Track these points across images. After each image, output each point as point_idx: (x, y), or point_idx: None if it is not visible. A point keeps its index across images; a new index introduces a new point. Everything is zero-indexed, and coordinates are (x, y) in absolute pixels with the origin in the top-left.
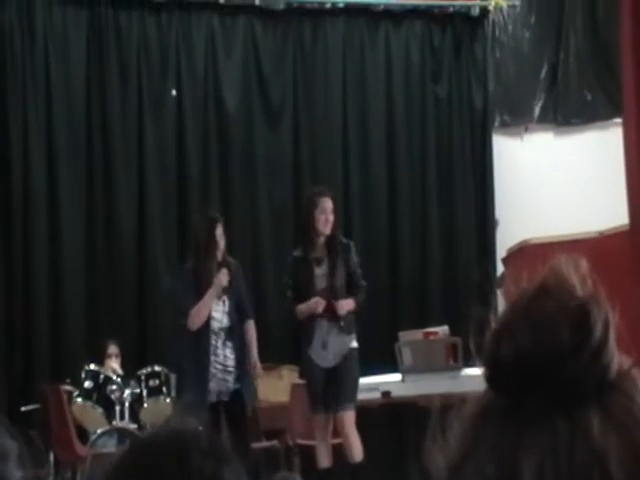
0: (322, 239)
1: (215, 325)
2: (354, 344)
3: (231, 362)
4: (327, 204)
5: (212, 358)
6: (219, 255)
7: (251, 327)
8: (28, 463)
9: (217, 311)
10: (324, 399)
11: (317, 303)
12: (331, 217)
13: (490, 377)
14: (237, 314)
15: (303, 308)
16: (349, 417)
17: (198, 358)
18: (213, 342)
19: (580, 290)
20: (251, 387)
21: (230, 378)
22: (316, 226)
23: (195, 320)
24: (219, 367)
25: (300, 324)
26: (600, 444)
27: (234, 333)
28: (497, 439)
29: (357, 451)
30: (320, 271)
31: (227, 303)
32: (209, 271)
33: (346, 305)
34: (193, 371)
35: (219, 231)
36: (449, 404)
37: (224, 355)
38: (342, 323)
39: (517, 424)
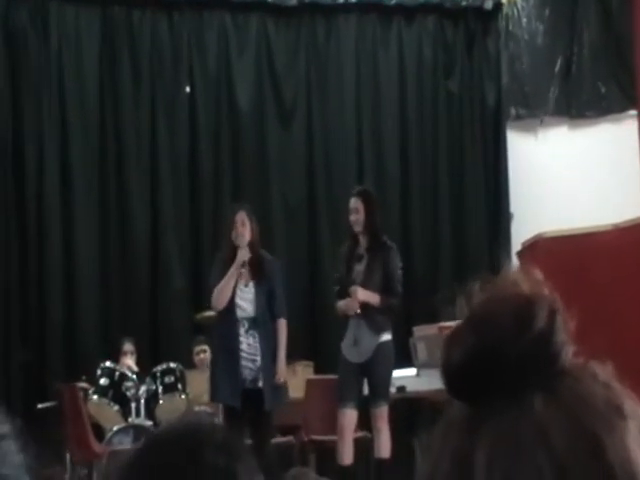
0: (365, 237)
1: (239, 313)
2: (385, 337)
3: (254, 350)
4: (351, 205)
5: (237, 347)
6: (242, 240)
7: (282, 326)
8: (30, 449)
9: (242, 299)
10: (354, 395)
11: (349, 306)
12: (359, 217)
13: (447, 385)
14: (268, 308)
15: (340, 305)
16: (382, 412)
17: (225, 346)
18: (237, 331)
19: (526, 288)
20: (276, 390)
21: (252, 366)
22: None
23: (218, 299)
24: (242, 355)
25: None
26: (542, 420)
27: (259, 323)
28: (456, 445)
29: (385, 447)
30: (359, 267)
31: (253, 291)
32: (234, 255)
33: (368, 295)
34: (221, 359)
35: (240, 217)
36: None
37: (247, 343)
38: (360, 313)
39: (473, 426)
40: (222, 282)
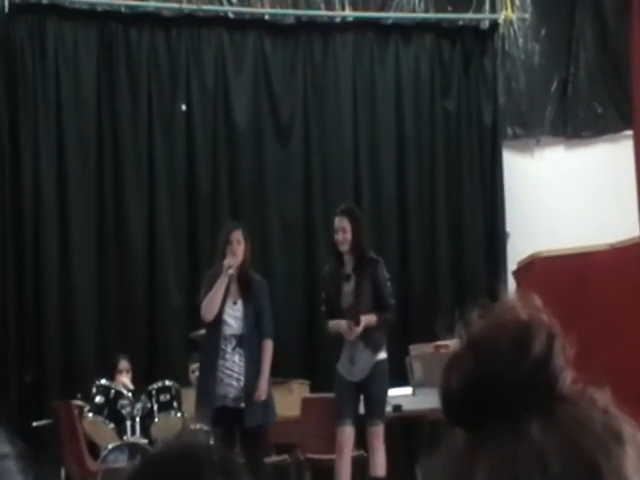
0: (351, 255)
1: (227, 330)
2: (381, 356)
3: (238, 368)
4: (336, 224)
5: (220, 362)
6: (236, 260)
7: (268, 347)
8: (31, 471)
9: (230, 316)
10: (352, 412)
11: (347, 331)
12: (346, 236)
13: (446, 412)
14: (255, 327)
15: (333, 325)
16: (378, 431)
17: (207, 362)
18: (223, 347)
19: (525, 314)
20: (261, 409)
21: (236, 384)
22: (334, 243)
23: (207, 309)
24: (226, 372)
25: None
26: (539, 445)
27: (245, 341)
28: (456, 471)
29: (381, 466)
30: (348, 287)
31: (242, 310)
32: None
33: (367, 320)
34: (202, 377)
35: (235, 236)
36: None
37: (232, 361)
38: (362, 338)
39: (473, 451)
40: (211, 291)
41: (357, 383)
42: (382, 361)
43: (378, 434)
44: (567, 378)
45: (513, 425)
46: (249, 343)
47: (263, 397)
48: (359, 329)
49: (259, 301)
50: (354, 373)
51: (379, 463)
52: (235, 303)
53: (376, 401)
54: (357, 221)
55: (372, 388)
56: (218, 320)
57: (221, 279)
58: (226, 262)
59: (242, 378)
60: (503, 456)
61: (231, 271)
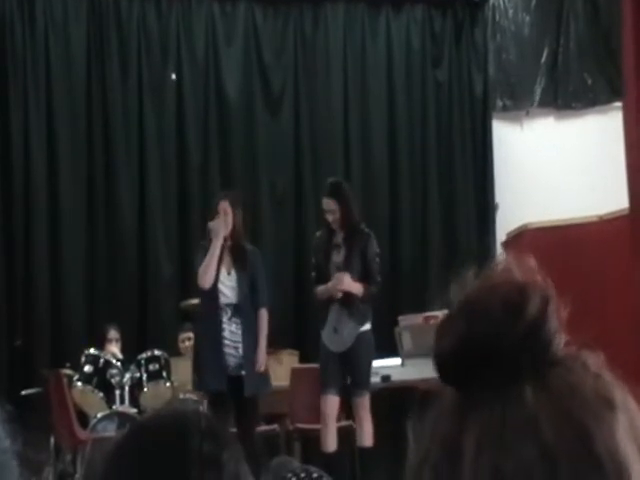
0: (342, 229)
1: (222, 300)
2: (366, 327)
3: (237, 337)
4: (324, 206)
5: (219, 333)
6: (218, 230)
7: (263, 316)
8: (19, 435)
9: (225, 286)
10: (336, 382)
11: (332, 289)
12: (335, 216)
13: (438, 371)
14: (250, 297)
15: (321, 290)
16: (364, 402)
17: (208, 332)
18: (220, 317)
19: (518, 276)
20: (258, 378)
21: (235, 353)
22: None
23: (204, 277)
24: (225, 342)
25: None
26: (532, 410)
27: (241, 310)
28: (446, 431)
29: (368, 436)
30: (337, 258)
31: (235, 279)
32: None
33: (353, 285)
34: (204, 346)
35: (222, 206)
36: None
37: (230, 330)
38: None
39: (463, 413)
40: (206, 258)
41: (341, 354)
42: (366, 331)
43: (364, 404)
44: (560, 341)
45: (505, 388)
46: (245, 312)
47: (262, 368)
48: (346, 281)
49: (253, 270)
50: (337, 343)
51: (366, 433)
52: (229, 273)
53: (362, 371)
54: (344, 199)
55: (356, 358)
56: (214, 290)
57: (213, 243)
58: (210, 224)
59: (240, 347)
60: (494, 418)
61: (221, 235)
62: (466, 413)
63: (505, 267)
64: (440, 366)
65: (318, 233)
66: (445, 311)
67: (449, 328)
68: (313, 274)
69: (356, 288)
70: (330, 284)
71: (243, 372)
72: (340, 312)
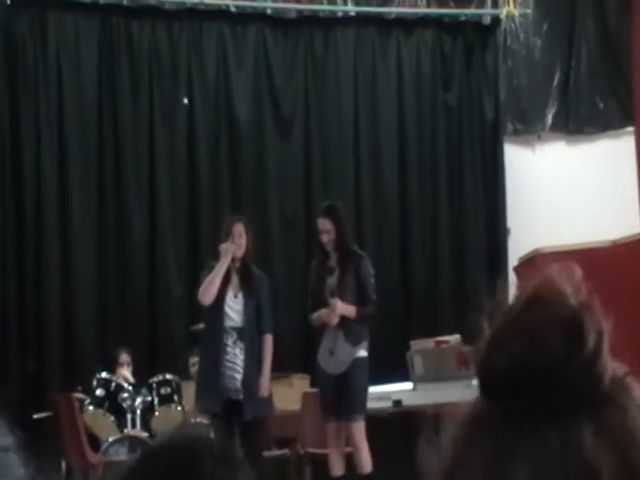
0: (336, 251)
1: (228, 323)
2: (362, 353)
3: (240, 362)
4: (319, 226)
5: (222, 355)
6: (237, 251)
7: (268, 341)
8: (32, 463)
9: (231, 308)
10: (335, 407)
11: (327, 317)
12: (330, 237)
13: (483, 386)
14: (255, 321)
15: (316, 317)
16: (358, 428)
17: (210, 354)
18: (224, 340)
19: (573, 299)
20: (259, 402)
21: (238, 377)
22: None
23: (205, 292)
24: (228, 365)
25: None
26: (593, 459)
27: (245, 335)
28: (489, 446)
29: (366, 462)
30: (331, 280)
31: (242, 302)
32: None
33: (346, 308)
34: (205, 367)
35: (237, 229)
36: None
37: (234, 354)
38: (345, 329)
39: (509, 432)
40: (210, 275)
41: (336, 377)
42: (362, 358)
43: (359, 430)
44: (610, 373)
45: (560, 420)
46: (249, 336)
47: (266, 394)
48: (339, 307)
49: (259, 295)
50: (333, 365)
51: (364, 460)
52: (236, 296)
53: (357, 396)
54: (339, 221)
55: (351, 383)
56: (220, 313)
57: (220, 262)
58: (222, 245)
59: (242, 371)
60: (550, 457)
61: (229, 255)
62: (513, 434)
63: (553, 283)
64: (488, 382)
65: (314, 261)
66: (483, 326)
67: (503, 346)
68: (310, 302)
69: (349, 311)
70: (324, 312)
71: (241, 396)
72: (336, 334)
